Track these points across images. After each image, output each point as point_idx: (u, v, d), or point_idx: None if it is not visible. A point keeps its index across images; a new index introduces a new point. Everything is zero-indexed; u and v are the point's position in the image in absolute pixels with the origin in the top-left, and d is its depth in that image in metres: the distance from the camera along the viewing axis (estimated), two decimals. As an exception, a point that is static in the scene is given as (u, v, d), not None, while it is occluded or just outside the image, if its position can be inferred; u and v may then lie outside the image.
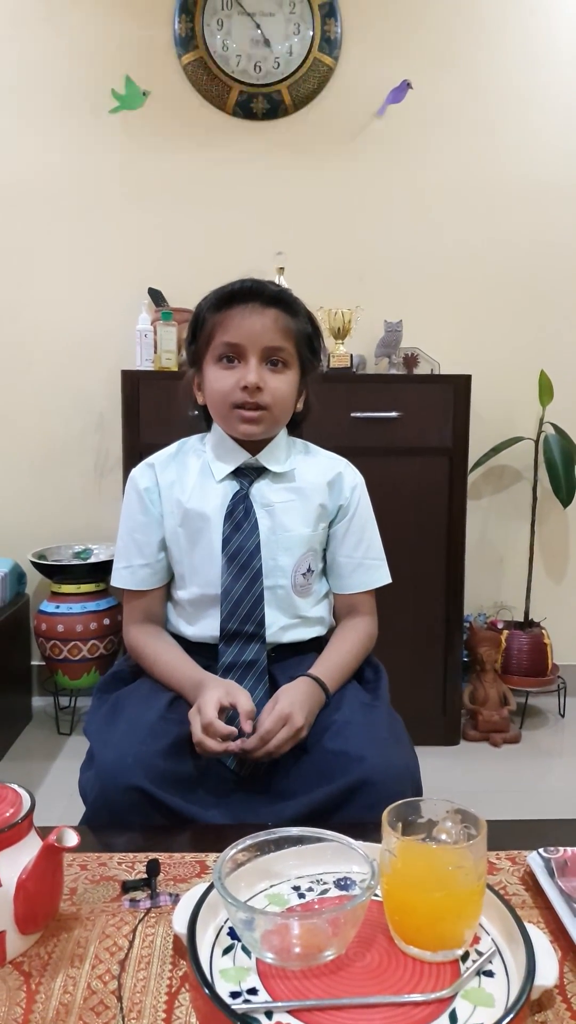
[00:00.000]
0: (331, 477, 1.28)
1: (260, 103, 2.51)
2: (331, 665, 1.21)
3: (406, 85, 2.49)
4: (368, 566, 1.30)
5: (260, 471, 1.25)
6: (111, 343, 2.58)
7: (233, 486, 1.24)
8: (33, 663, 2.63)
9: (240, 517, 1.21)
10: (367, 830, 0.84)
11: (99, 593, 2.45)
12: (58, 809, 1.92)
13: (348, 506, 1.29)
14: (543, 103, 2.60)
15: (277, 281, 2.24)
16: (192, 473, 1.26)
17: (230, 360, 1.18)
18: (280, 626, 1.23)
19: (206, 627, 1.22)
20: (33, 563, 2.46)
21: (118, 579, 1.28)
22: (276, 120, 2.56)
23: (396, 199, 2.61)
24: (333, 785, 1.04)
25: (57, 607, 2.41)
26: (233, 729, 1.06)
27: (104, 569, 2.42)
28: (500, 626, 2.59)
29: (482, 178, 2.62)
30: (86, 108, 2.53)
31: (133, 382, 2.26)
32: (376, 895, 0.76)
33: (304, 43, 2.49)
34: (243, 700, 1.09)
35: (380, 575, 1.32)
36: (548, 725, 2.61)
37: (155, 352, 2.36)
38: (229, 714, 1.09)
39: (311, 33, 2.48)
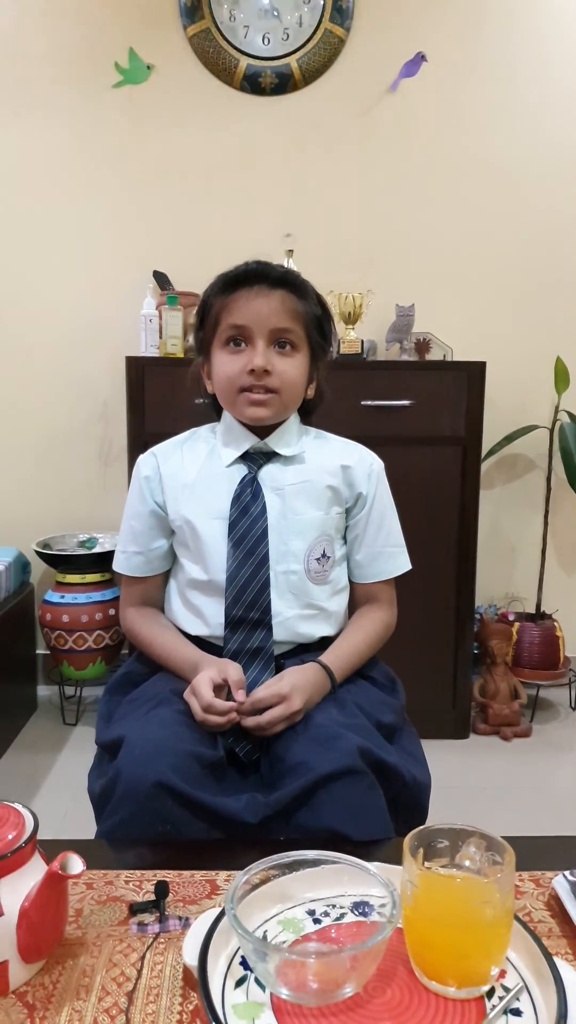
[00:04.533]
0: (346, 462, 1.24)
1: (268, 77, 2.43)
2: (342, 654, 1.18)
3: (420, 58, 2.41)
4: (388, 554, 1.27)
5: (269, 456, 1.22)
6: (115, 328, 2.52)
7: (241, 470, 1.21)
8: (38, 652, 2.60)
9: (248, 501, 1.18)
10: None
11: (104, 583, 2.41)
12: (64, 800, 1.91)
13: (367, 495, 1.24)
14: (562, 79, 2.51)
15: (286, 263, 2.19)
16: (199, 458, 1.24)
17: (237, 343, 1.16)
18: (292, 615, 1.18)
19: (213, 615, 1.18)
20: (38, 553, 2.42)
21: (116, 562, 1.29)
22: (285, 95, 2.48)
23: (409, 179, 2.54)
24: (333, 755, 1.00)
25: (62, 597, 2.37)
26: (233, 704, 1.06)
27: (109, 559, 2.37)
28: (511, 618, 2.56)
29: (498, 158, 2.54)
30: (88, 82, 2.45)
31: (138, 369, 2.20)
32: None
33: (315, 13, 2.40)
34: (233, 672, 1.09)
35: (399, 563, 1.28)
36: (559, 719, 2.57)
37: (160, 338, 2.31)
38: (226, 692, 1.08)
39: (322, 2, 2.39)
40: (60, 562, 2.41)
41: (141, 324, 2.33)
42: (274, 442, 1.22)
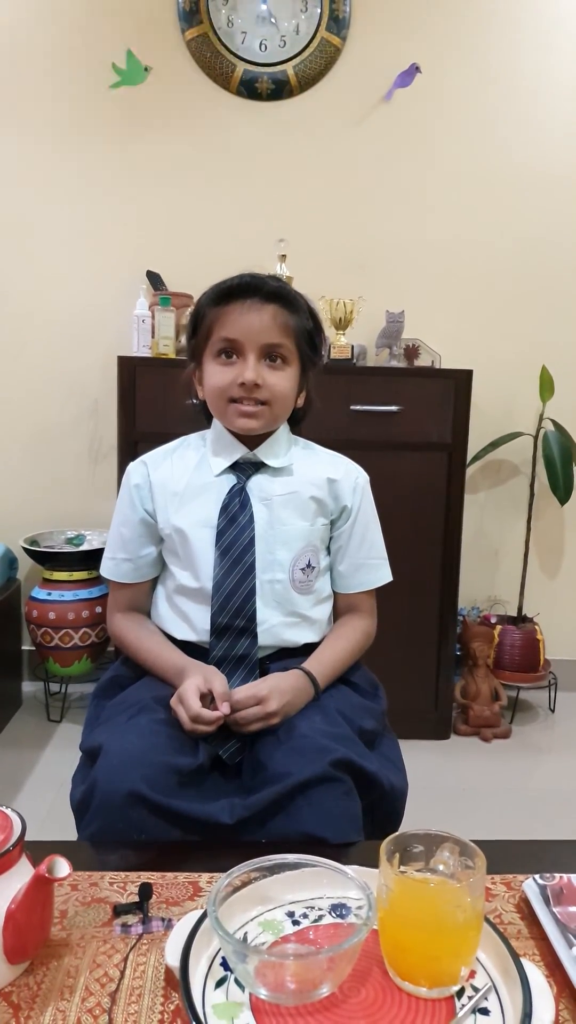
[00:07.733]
0: (332, 475, 1.26)
1: (265, 83, 2.45)
2: (325, 660, 1.21)
3: (415, 69, 2.43)
4: (370, 566, 1.30)
5: (258, 466, 1.24)
6: (107, 327, 2.53)
7: (230, 480, 1.23)
8: (24, 648, 2.61)
9: (236, 510, 1.20)
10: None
11: (91, 580, 2.42)
12: (48, 797, 1.93)
13: (352, 508, 1.27)
14: (553, 92, 2.54)
15: (279, 268, 2.21)
16: (189, 467, 1.25)
17: (228, 355, 1.18)
18: (277, 622, 1.21)
19: (199, 621, 1.21)
20: (25, 549, 2.43)
21: (104, 568, 1.30)
22: (281, 101, 2.49)
23: (401, 187, 2.56)
24: (311, 766, 1.02)
25: (49, 594, 2.38)
26: (220, 714, 1.07)
27: (96, 557, 2.39)
28: (493, 621, 2.59)
29: (489, 168, 2.56)
30: (86, 82, 2.46)
31: (129, 369, 2.22)
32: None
33: (311, 21, 2.42)
34: (218, 684, 1.10)
35: (381, 574, 1.31)
36: (538, 720, 2.61)
37: (152, 338, 2.32)
38: (210, 699, 1.10)
39: (319, 11, 2.41)
40: (47, 559, 2.42)
41: (133, 324, 2.34)
42: (263, 453, 1.24)
